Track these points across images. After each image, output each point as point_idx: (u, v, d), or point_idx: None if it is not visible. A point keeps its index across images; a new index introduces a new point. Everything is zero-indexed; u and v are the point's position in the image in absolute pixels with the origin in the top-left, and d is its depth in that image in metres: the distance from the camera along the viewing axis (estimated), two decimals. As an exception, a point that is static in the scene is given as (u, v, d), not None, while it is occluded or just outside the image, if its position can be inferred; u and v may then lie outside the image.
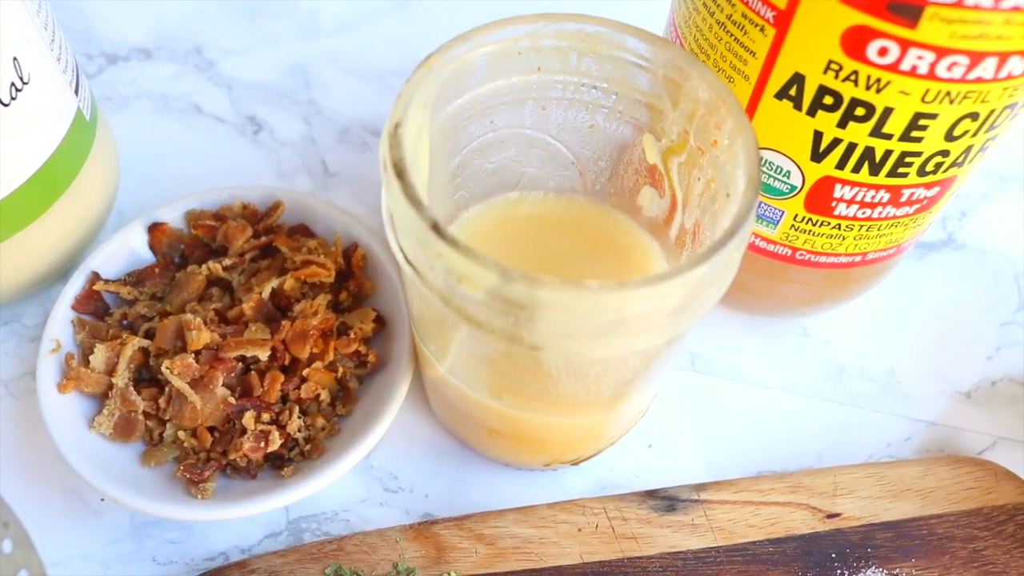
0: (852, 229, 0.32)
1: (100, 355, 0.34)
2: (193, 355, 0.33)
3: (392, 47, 0.47)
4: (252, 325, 0.34)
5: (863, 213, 0.31)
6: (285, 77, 0.45)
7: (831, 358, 0.39)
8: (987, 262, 0.43)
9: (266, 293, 0.34)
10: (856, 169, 0.30)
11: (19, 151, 0.32)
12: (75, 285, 0.35)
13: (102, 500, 0.34)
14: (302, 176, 0.42)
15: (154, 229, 0.37)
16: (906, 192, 0.31)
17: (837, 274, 0.35)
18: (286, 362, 0.34)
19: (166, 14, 0.47)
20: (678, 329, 0.25)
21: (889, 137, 0.28)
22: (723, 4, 0.29)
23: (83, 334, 0.35)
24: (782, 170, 0.31)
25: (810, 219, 0.32)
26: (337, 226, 0.37)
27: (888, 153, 0.29)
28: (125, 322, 0.36)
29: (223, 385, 0.33)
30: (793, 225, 0.32)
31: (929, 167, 0.30)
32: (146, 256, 0.37)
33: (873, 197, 0.31)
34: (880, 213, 0.32)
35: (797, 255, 0.34)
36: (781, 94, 0.29)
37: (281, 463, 0.33)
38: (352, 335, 0.34)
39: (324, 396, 0.34)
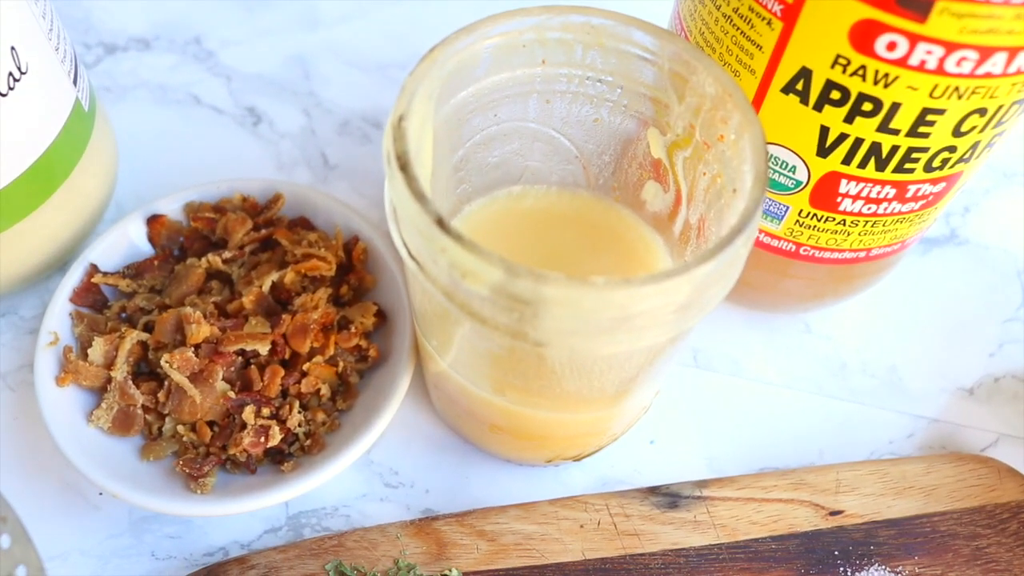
0: (857, 225, 0.32)
1: (98, 348, 0.33)
2: (192, 349, 0.33)
3: (393, 38, 0.47)
4: (252, 319, 0.34)
5: (868, 209, 0.31)
6: (285, 68, 0.45)
7: (833, 354, 0.39)
8: (990, 258, 0.42)
9: (266, 286, 0.34)
10: (862, 164, 0.29)
11: (17, 141, 0.32)
12: (73, 277, 0.35)
13: (100, 494, 0.34)
14: (302, 168, 0.42)
15: (153, 221, 0.37)
16: (912, 188, 0.30)
17: (841, 270, 0.35)
18: (286, 356, 0.33)
19: (165, 3, 0.47)
20: (683, 326, 0.24)
21: (896, 132, 0.28)
22: (730, -3, 0.28)
23: (81, 327, 0.35)
24: (787, 165, 0.30)
25: (815, 215, 0.32)
26: (338, 219, 0.37)
27: (895, 148, 0.29)
28: (124, 315, 0.35)
29: (223, 379, 0.33)
30: (798, 221, 0.32)
31: (936, 163, 0.29)
32: (145, 248, 0.37)
33: (879, 193, 0.30)
34: (885, 209, 0.31)
35: (801, 251, 0.33)
36: (788, 88, 0.28)
37: (281, 458, 0.33)
38: (353, 329, 0.34)
39: (324, 391, 0.34)
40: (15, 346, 0.37)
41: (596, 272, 0.32)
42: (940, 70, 0.26)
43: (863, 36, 0.26)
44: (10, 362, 0.36)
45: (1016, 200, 0.44)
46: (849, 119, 0.28)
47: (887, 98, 0.27)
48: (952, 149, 0.29)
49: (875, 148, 0.29)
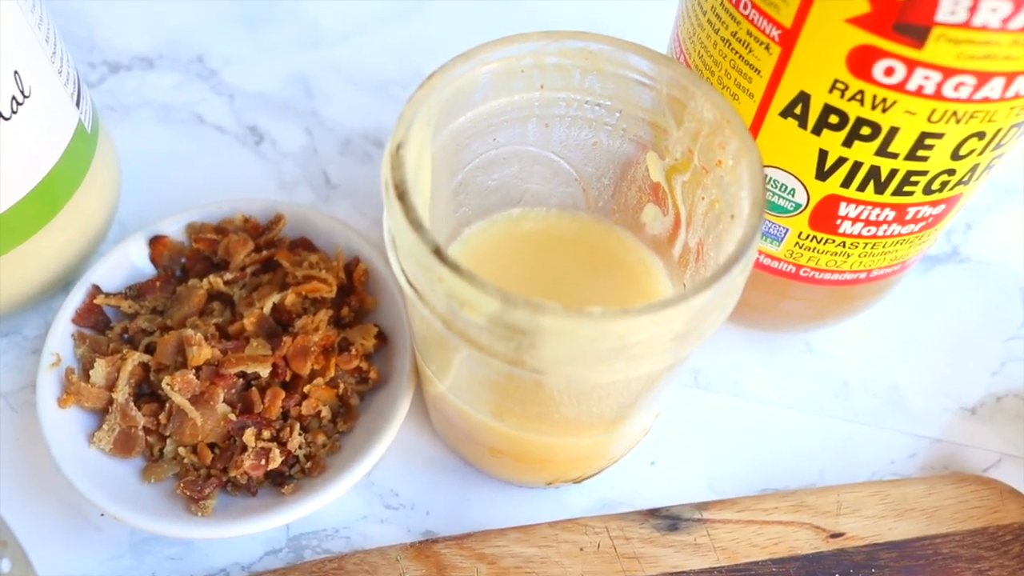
0: (857, 247, 0.32)
1: (100, 370, 0.33)
2: (194, 371, 0.33)
3: (394, 56, 0.47)
4: (253, 341, 0.34)
5: (868, 231, 0.31)
6: (287, 86, 0.45)
7: (835, 374, 0.39)
8: (992, 275, 0.42)
9: (267, 308, 0.34)
10: (861, 187, 0.29)
11: (20, 164, 0.32)
12: (76, 298, 0.35)
13: (102, 515, 0.34)
14: (303, 188, 0.42)
15: (155, 242, 0.37)
16: (911, 210, 0.30)
17: (841, 291, 0.35)
18: (287, 378, 0.34)
19: (169, 22, 0.47)
20: (681, 354, 0.24)
21: (895, 156, 0.28)
22: (728, 21, 0.28)
23: (83, 348, 0.35)
24: (787, 188, 0.30)
25: (815, 237, 0.32)
26: (339, 240, 0.37)
27: (894, 172, 0.29)
28: (126, 336, 0.35)
29: (224, 401, 0.33)
30: (797, 242, 0.32)
31: (935, 185, 0.29)
32: (147, 269, 0.37)
33: (878, 215, 0.30)
34: (885, 231, 0.31)
35: (801, 272, 0.33)
36: (786, 112, 0.28)
37: (282, 480, 0.33)
38: (353, 351, 0.34)
39: (325, 413, 0.34)
40: (18, 366, 0.37)
41: (596, 294, 0.32)
42: (938, 95, 0.26)
43: (860, 61, 0.26)
44: (12, 382, 0.37)
45: (1018, 216, 0.44)
46: (847, 143, 0.28)
47: (885, 122, 0.27)
48: (951, 172, 0.29)
49: (874, 171, 0.29)
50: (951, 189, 0.30)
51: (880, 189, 0.29)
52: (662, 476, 0.35)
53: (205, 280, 0.35)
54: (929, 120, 0.27)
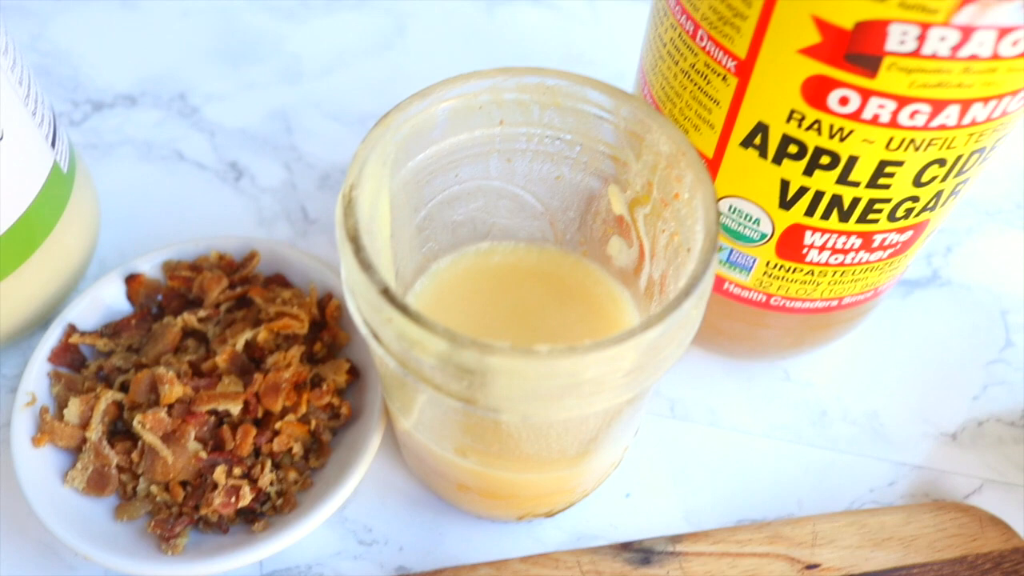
0: (826, 275, 0.32)
1: (74, 409, 0.34)
2: (166, 409, 0.33)
3: (374, 90, 0.47)
4: (225, 378, 0.34)
5: (836, 259, 0.31)
6: (267, 122, 0.46)
7: (813, 401, 0.39)
8: (973, 299, 0.42)
9: (239, 345, 0.34)
10: (825, 216, 0.29)
11: (-6, 206, 0.33)
12: (51, 337, 0.35)
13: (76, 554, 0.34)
14: (282, 223, 0.42)
15: (131, 280, 0.37)
16: (878, 237, 0.30)
17: (814, 319, 0.34)
18: (259, 415, 0.34)
19: (153, 60, 0.48)
20: (637, 388, 0.24)
21: (856, 185, 0.28)
22: (686, 53, 0.28)
23: (59, 387, 0.35)
24: (751, 218, 0.30)
25: (782, 266, 0.32)
26: (313, 275, 0.37)
27: (856, 200, 0.29)
28: (101, 374, 0.36)
29: (195, 439, 0.33)
30: (766, 272, 0.32)
31: (900, 212, 0.29)
32: (124, 307, 0.37)
33: (844, 243, 0.30)
34: (853, 259, 0.31)
35: (772, 301, 0.33)
36: (746, 143, 0.28)
37: (253, 517, 0.33)
38: (325, 387, 0.34)
39: (297, 449, 0.34)
40: (-4, 405, 0.37)
41: (564, 327, 0.32)
42: (894, 123, 0.26)
43: (815, 91, 0.26)
44: (-10, 421, 0.37)
45: (999, 239, 0.44)
46: (808, 172, 0.28)
47: (844, 151, 0.27)
48: (915, 199, 0.29)
49: (836, 200, 0.29)
50: (916, 216, 0.30)
51: (844, 217, 0.29)
52: (637, 508, 0.35)
53: (179, 317, 0.35)
54: (888, 148, 0.27)
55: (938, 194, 0.29)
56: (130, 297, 0.37)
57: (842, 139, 0.27)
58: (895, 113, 0.25)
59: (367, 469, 0.33)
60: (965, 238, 0.44)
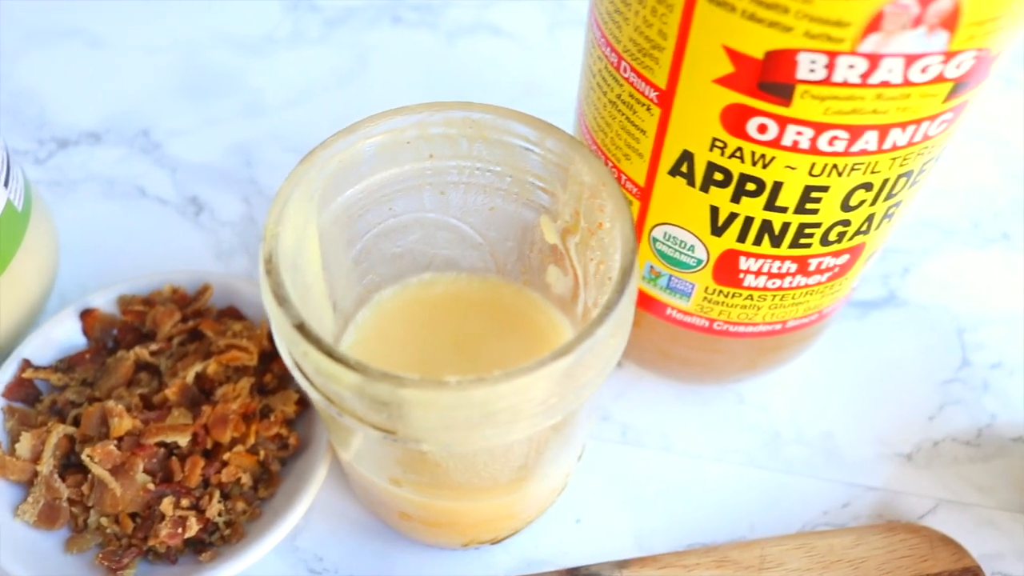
0: (765, 299, 0.32)
1: (26, 443, 0.34)
2: (115, 441, 0.33)
3: (336, 123, 0.47)
4: (175, 410, 0.34)
5: (773, 284, 0.31)
6: (227, 156, 0.46)
7: (767, 424, 0.39)
8: (930, 318, 0.42)
9: (190, 378, 0.35)
10: (757, 242, 0.30)
11: (-56, 246, 0.33)
12: (6, 373, 0.36)
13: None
14: (240, 256, 0.43)
15: (86, 315, 0.37)
16: (813, 261, 0.31)
17: (760, 342, 0.35)
18: (208, 446, 0.34)
19: (118, 97, 0.49)
20: (558, 415, 0.25)
21: (784, 210, 0.28)
22: (613, 84, 0.29)
23: (12, 421, 0.35)
24: (686, 244, 0.31)
25: (721, 291, 0.32)
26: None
27: (786, 225, 0.29)
28: (56, 408, 0.36)
29: (144, 471, 0.33)
30: (706, 297, 0.32)
31: (832, 236, 0.30)
32: (80, 342, 0.38)
33: (780, 268, 0.31)
34: (791, 283, 0.31)
35: (715, 326, 0.33)
36: (674, 171, 0.29)
37: (202, 548, 0.33)
38: (273, 418, 0.34)
39: (246, 479, 0.34)
40: (-45, 441, 0.37)
41: (505, 356, 0.32)
42: (814, 150, 0.26)
43: (734, 120, 0.26)
44: (-52, 458, 0.37)
45: (956, 258, 0.44)
46: (735, 199, 0.28)
47: (768, 177, 0.27)
48: (846, 223, 0.29)
49: (766, 226, 0.29)
50: (850, 239, 0.30)
51: (776, 243, 0.30)
52: (588, 533, 0.35)
53: (132, 351, 0.36)
54: (811, 174, 0.27)
55: (870, 217, 0.29)
56: (86, 332, 0.38)
57: (764, 166, 0.27)
58: (813, 140, 0.26)
59: (314, 498, 0.33)
60: (922, 258, 0.44)
